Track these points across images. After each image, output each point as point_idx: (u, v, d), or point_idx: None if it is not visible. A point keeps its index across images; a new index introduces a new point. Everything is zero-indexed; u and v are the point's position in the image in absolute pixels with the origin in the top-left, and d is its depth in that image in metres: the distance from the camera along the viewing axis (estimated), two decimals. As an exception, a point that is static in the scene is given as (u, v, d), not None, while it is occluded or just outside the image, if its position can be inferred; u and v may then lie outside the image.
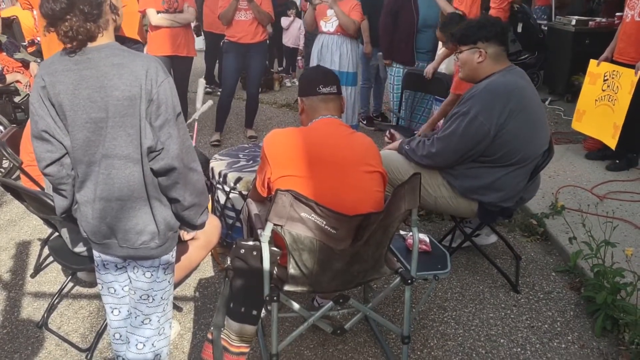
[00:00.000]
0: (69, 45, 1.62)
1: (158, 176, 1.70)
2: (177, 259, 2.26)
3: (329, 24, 4.90)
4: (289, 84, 7.82)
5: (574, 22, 6.06)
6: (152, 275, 1.83)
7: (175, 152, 1.66)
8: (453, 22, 3.85)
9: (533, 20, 6.70)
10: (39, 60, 4.90)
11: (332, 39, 4.92)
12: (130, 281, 1.87)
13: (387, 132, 3.18)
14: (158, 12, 4.54)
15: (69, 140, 1.68)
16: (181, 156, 1.68)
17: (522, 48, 6.84)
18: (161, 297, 1.89)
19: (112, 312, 1.97)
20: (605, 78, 4.32)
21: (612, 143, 4.17)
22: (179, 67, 4.87)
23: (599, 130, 4.39)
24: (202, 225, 1.91)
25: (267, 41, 5.22)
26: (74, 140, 1.67)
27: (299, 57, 7.91)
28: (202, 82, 3.27)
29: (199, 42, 7.18)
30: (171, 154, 1.66)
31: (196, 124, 3.34)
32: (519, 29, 6.57)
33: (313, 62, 5.02)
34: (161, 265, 1.84)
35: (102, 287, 1.93)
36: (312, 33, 5.95)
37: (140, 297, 1.86)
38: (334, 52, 4.92)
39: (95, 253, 1.86)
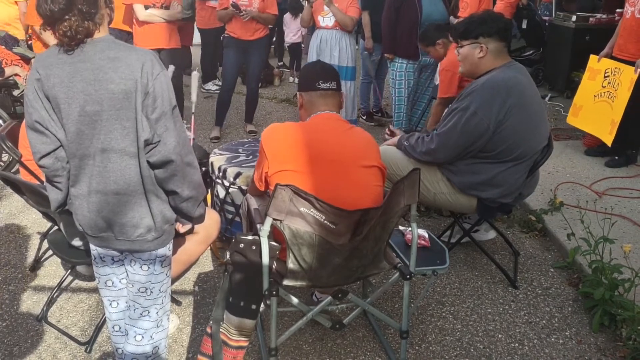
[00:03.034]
0: (66, 45, 1.62)
1: (155, 169, 1.71)
2: (177, 254, 2.27)
3: (326, 18, 4.90)
4: (292, 80, 7.76)
5: (574, 19, 6.05)
6: (149, 268, 1.84)
7: (173, 145, 1.67)
8: (429, 33, 4.04)
9: (538, 16, 6.70)
10: None
11: (331, 34, 4.92)
12: (128, 274, 1.87)
13: (387, 128, 3.21)
14: (146, 7, 4.52)
15: (63, 133, 1.68)
16: (178, 149, 1.68)
17: (527, 44, 6.84)
18: (159, 290, 1.90)
19: (110, 304, 1.97)
20: (606, 75, 4.31)
21: (608, 139, 4.17)
22: (169, 60, 4.83)
23: (596, 126, 4.38)
24: (199, 217, 1.91)
25: (267, 36, 5.20)
26: (68, 133, 1.67)
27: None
28: (195, 74, 3.30)
29: (195, 37, 7.12)
30: (168, 147, 1.66)
31: (193, 117, 3.38)
32: (524, 25, 6.56)
33: (312, 57, 5.02)
34: (158, 258, 1.85)
35: (100, 280, 1.93)
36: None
37: (139, 290, 1.87)
38: (333, 47, 4.92)
39: (92, 246, 1.86)
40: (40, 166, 1.74)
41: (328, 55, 4.86)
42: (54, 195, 1.81)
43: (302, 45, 7.86)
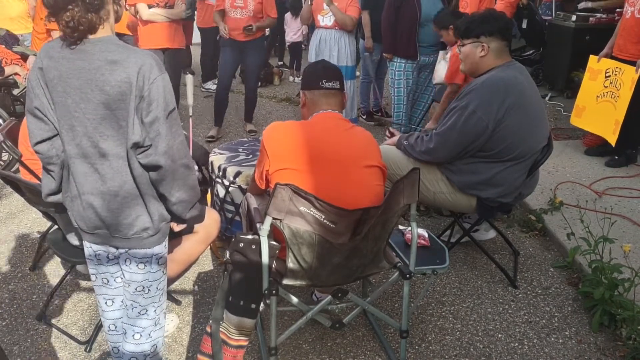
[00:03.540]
0: (69, 37, 1.61)
1: (147, 171, 1.71)
2: (176, 253, 2.27)
3: (326, 17, 4.90)
4: (292, 80, 7.75)
5: (574, 19, 6.05)
6: (145, 266, 1.83)
7: (163, 150, 1.67)
8: (444, 17, 4.13)
9: (538, 16, 6.69)
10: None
11: (330, 34, 4.92)
12: (124, 274, 1.87)
13: (387, 130, 3.22)
14: (150, 6, 4.53)
15: (59, 125, 1.69)
16: (169, 153, 1.68)
17: (527, 44, 6.84)
18: (157, 288, 1.89)
19: (105, 303, 1.96)
20: (608, 74, 4.31)
21: (612, 139, 4.17)
22: (170, 60, 4.85)
23: (600, 126, 4.38)
24: (192, 219, 1.90)
25: (266, 35, 5.20)
26: (62, 128, 1.68)
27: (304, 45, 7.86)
28: (190, 77, 3.24)
29: (195, 37, 7.12)
30: (159, 152, 1.66)
31: (191, 120, 3.33)
32: (524, 25, 6.56)
33: (311, 57, 5.03)
34: (154, 256, 1.84)
35: (96, 278, 1.92)
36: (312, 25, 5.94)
37: (136, 289, 1.86)
38: (332, 47, 4.93)
39: (86, 244, 1.85)
40: (35, 151, 1.75)
41: (327, 55, 4.87)
42: (48, 183, 1.81)
43: (303, 45, 7.85)
